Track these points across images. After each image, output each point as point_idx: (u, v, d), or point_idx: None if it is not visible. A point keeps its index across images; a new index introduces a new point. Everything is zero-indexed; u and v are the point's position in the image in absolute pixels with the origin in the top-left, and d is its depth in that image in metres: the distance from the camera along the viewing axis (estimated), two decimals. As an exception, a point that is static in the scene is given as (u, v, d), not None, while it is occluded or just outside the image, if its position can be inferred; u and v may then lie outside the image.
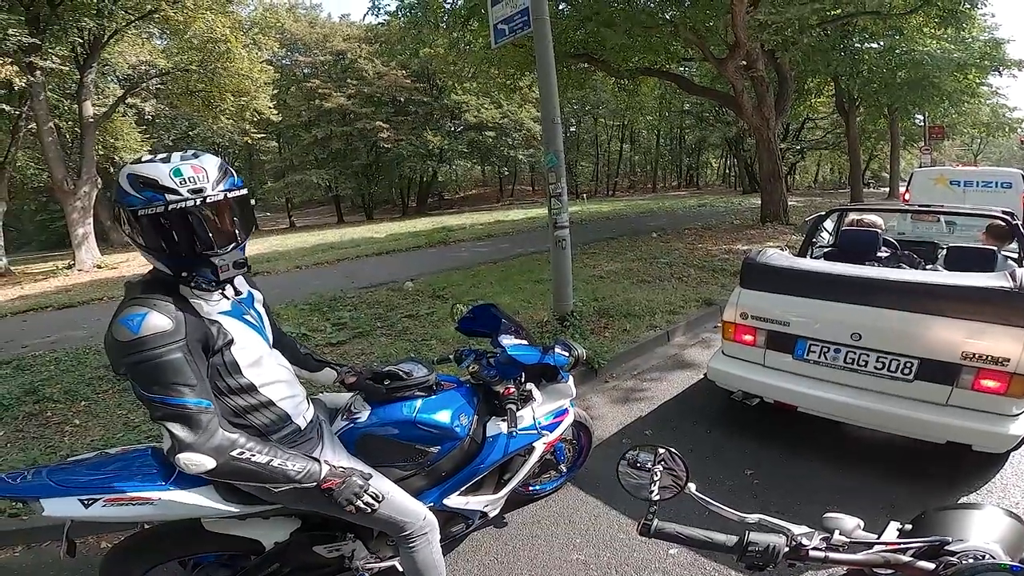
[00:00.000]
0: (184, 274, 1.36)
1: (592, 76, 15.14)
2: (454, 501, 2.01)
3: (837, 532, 0.88)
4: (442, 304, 5.86)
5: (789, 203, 13.42)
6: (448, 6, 12.39)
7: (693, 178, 42.26)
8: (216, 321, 1.41)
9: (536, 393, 2.24)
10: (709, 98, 18.04)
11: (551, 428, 2.28)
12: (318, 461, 1.49)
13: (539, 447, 2.24)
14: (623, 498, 2.55)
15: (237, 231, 1.41)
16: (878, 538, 0.88)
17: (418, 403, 1.90)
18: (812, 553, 0.84)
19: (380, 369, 1.98)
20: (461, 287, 6.90)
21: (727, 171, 42.03)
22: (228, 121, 19.56)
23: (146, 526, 1.69)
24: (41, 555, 2.46)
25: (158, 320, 1.27)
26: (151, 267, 1.42)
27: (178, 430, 1.28)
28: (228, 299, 1.49)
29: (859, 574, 0.89)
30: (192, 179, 1.30)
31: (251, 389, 1.49)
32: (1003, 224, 3.56)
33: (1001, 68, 17.03)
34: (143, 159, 1.33)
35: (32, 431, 3.54)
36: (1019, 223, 3.50)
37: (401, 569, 1.82)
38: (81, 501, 1.42)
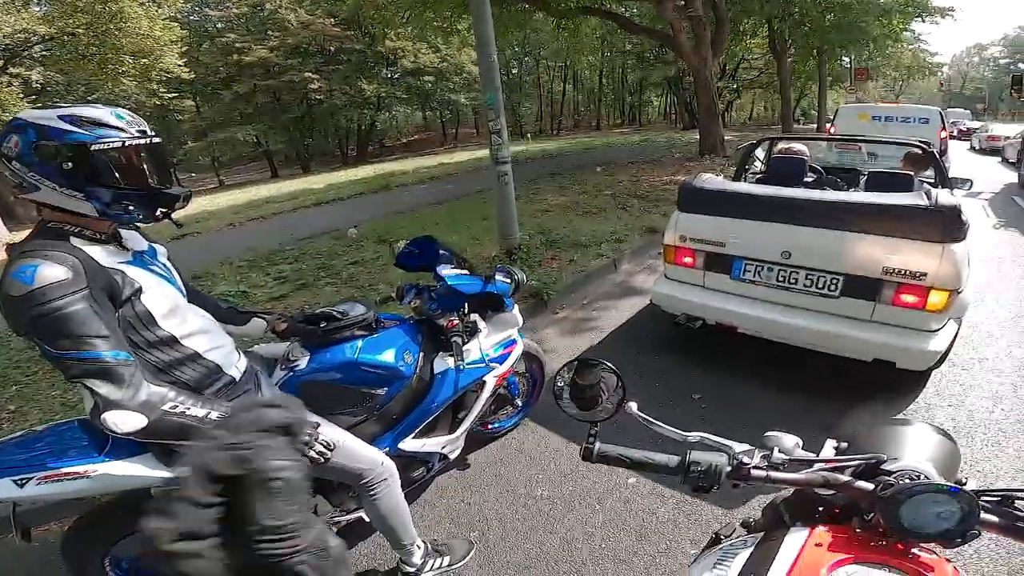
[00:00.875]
0: (127, 210, 1.30)
1: (532, 16, 14.63)
2: (410, 445, 1.98)
3: (776, 450, 0.88)
4: (387, 249, 5.67)
5: (726, 138, 13.79)
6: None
7: (635, 116, 42.50)
8: (119, 270, 1.29)
9: (481, 324, 2.19)
10: (649, 38, 17.90)
11: (500, 360, 2.26)
12: None
13: (490, 381, 2.22)
14: (581, 431, 2.61)
15: (172, 172, 1.43)
16: (817, 456, 0.88)
17: (359, 343, 1.83)
18: (754, 472, 0.84)
19: (313, 312, 1.88)
20: (407, 230, 6.76)
21: (668, 109, 42.42)
22: (131, 83, 17.76)
23: (98, 502, 1.62)
24: (3, 545, 2.29)
25: (53, 270, 1.15)
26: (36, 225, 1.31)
27: (99, 386, 1.17)
28: (127, 250, 1.37)
29: (802, 494, 0.89)
30: (135, 121, 1.34)
31: (172, 341, 1.38)
32: (919, 152, 3.75)
33: (924, 15, 17.63)
34: (60, 104, 1.30)
35: (-39, 420, 3.23)
36: (935, 151, 3.69)
37: (367, 519, 1.80)
38: (14, 481, 1.33)
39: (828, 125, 10.95)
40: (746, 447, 0.88)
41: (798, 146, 3.74)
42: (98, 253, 1.28)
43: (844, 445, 0.94)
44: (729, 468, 0.84)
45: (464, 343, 2.03)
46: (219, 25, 27.75)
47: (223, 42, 26.05)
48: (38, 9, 16.40)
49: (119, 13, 14.63)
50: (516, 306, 2.39)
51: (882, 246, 2.55)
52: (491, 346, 2.22)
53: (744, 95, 38.46)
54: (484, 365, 2.17)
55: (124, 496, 1.55)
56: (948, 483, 0.72)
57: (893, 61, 27.49)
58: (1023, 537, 0.74)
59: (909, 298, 2.53)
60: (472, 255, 5.03)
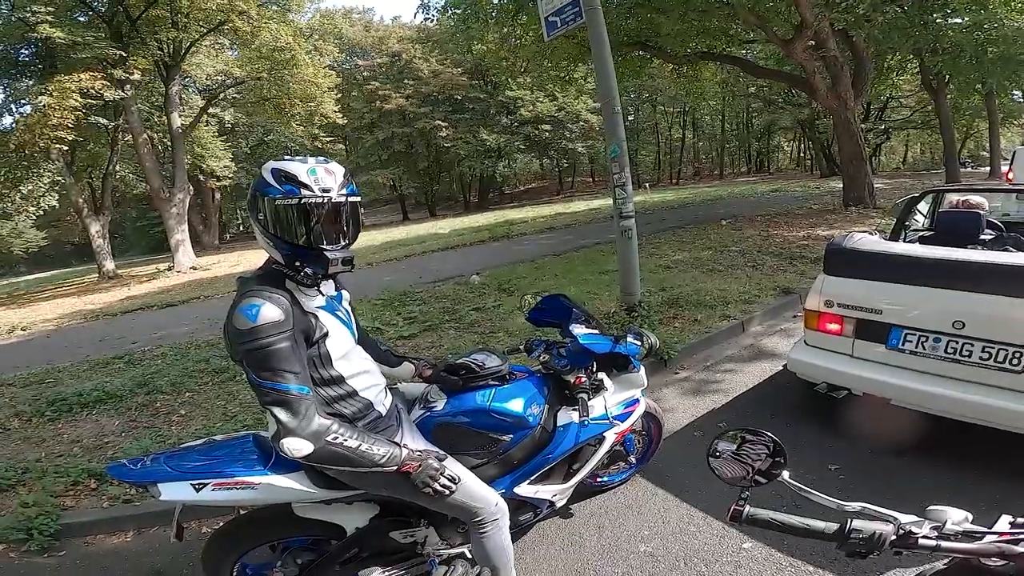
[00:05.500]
0: (297, 263, 1.48)
1: (649, 64, 14.71)
2: (524, 490, 2.03)
3: (949, 522, 0.85)
4: (508, 297, 5.91)
5: (876, 185, 12.50)
6: (496, 1, 12.39)
7: (764, 163, 40.23)
8: (315, 314, 1.51)
9: (607, 383, 2.22)
10: (776, 80, 17.12)
11: (622, 418, 2.26)
12: (399, 445, 1.54)
13: (609, 437, 2.22)
14: (693, 491, 2.50)
15: (348, 231, 1.55)
16: (990, 529, 0.85)
17: (492, 392, 1.94)
18: (922, 541, 0.81)
19: (454, 361, 2.03)
20: (526, 279, 6.94)
21: (801, 155, 39.65)
22: (299, 127, 20.72)
23: (241, 512, 1.81)
24: (151, 540, 2.62)
25: (272, 311, 1.37)
26: (263, 261, 1.57)
27: (282, 415, 1.36)
28: (323, 295, 1.59)
29: (966, 564, 0.86)
30: (323, 179, 1.46)
31: (340, 380, 1.57)
32: None
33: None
34: (285, 158, 1.51)
35: (144, 420, 3.87)
36: None
37: (470, 556, 1.86)
38: (192, 486, 1.52)
39: (1005, 170, 9.54)
40: (913, 518, 0.86)
41: (975, 198, 3.35)
42: (303, 298, 1.51)
43: (1022, 520, 0.87)
44: (894, 537, 0.82)
45: (589, 399, 2.06)
46: (364, 73, 31.47)
47: (368, 89, 29.46)
48: (232, 54, 19.87)
49: (293, 59, 17.28)
50: (643, 367, 2.38)
51: None
52: (615, 404, 2.23)
53: (895, 137, 34.92)
54: (607, 422, 2.18)
55: (267, 508, 1.71)
56: None
57: (1076, 92, 23.41)
58: None
59: None
60: (591, 309, 4.99)
